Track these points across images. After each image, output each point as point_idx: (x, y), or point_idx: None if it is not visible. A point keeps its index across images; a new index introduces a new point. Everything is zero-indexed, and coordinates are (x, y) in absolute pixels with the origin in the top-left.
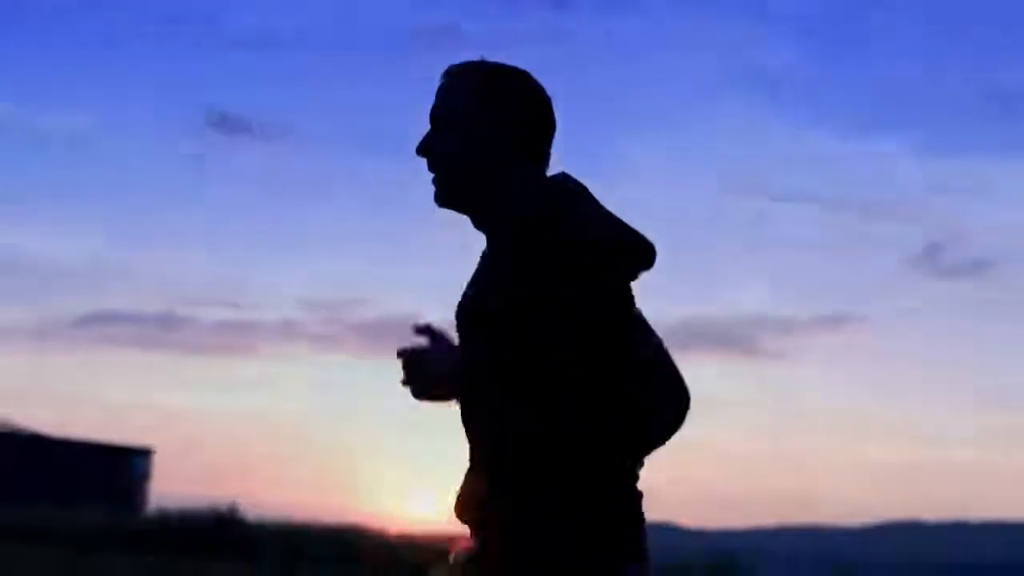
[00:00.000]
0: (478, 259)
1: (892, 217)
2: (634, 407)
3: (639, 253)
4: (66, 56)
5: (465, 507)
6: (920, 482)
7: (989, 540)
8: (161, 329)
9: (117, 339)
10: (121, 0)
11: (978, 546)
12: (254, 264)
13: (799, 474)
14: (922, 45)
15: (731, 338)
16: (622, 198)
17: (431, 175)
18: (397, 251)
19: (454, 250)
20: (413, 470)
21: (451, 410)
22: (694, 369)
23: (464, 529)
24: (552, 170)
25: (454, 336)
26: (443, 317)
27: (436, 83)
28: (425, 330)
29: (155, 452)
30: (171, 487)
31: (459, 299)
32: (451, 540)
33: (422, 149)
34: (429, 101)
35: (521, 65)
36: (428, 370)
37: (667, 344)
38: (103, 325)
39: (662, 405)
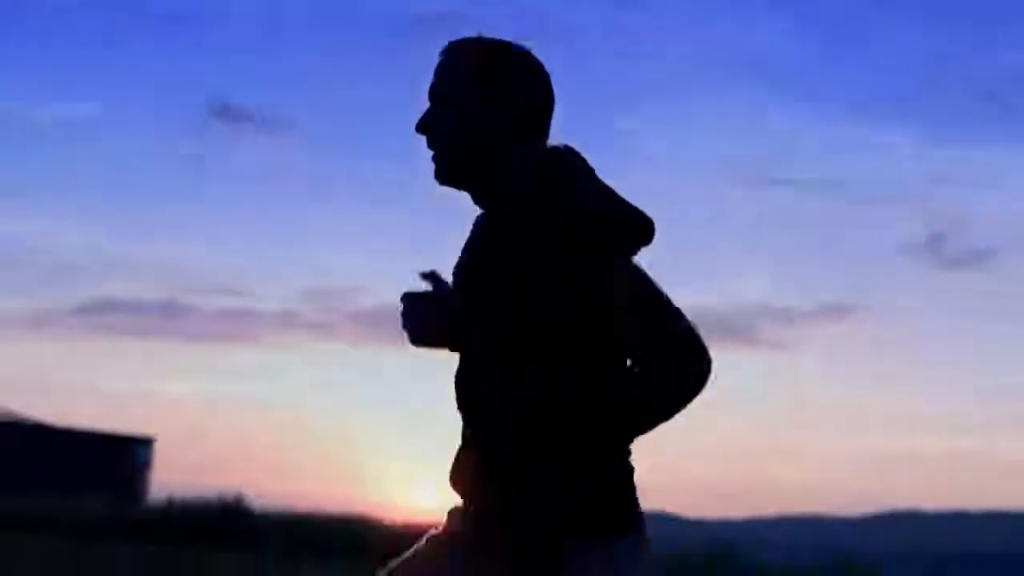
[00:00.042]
0: (471, 226)
1: (895, 207)
2: (640, 379)
3: (638, 228)
4: (67, 46)
5: (460, 478)
6: (921, 472)
7: (990, 530)
8: (162, 318)
9: (118, 328)
10: None
11: (979, 536)
12: (254, 253)
13: (799, 464)
14: (926, 34)
15: (731, 328)
16: (620, 186)
17: (431, 152)
18: (396, 240)
19: (453, 239)
20: (417, 459)
21: (449, 365)
22: None
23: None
24: None
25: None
26: None
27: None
28: (430, 276)
29: (156, 441)
30: (173, 476)
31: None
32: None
33: (421, 126)
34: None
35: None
36: (425, 314)
37: None
38: (104, 314)
39: (682, 370)
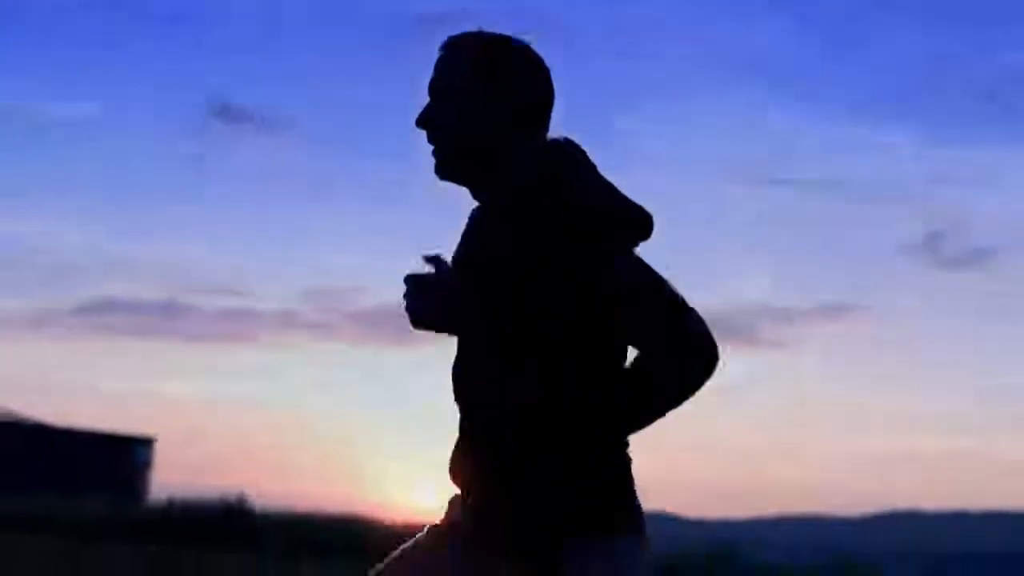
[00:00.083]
0: (468, 218)
1: (895, 207)
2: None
3: (637, 223)
4: (68, 46)
5: (460, 471)
6: (920, 472)
7: (990, 530)
8: (162, 318)
9: (118, 328)
10: None
11: (979, 536)
12: (254, 253)
13: (799, 464)
14: (925, 34)
15: (731, 327)
16: (620, 185)
17: (431, 147)
18: (396, 240)
19: (454, 239)
20: (416, 459)
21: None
22: None
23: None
24: None
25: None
26: None
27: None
28: (433, 259)
29: (157, 441)
30: (173, 476)
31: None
32: None
33: (421, 121)
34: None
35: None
36: (428, 297)
37: None
38: (104, 314)
39: (691, 359)
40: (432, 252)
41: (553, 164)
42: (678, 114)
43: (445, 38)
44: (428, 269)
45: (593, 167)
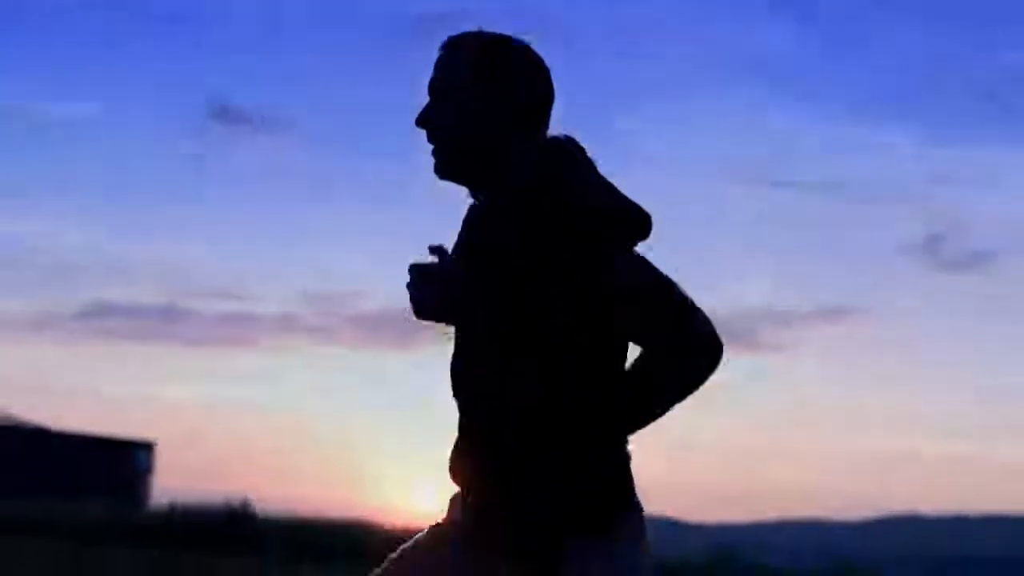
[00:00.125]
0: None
1: (894, 208)
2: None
3: (636, 222)
4: (68, 47)
5: (460, 469)
6: (920, 475)
7: (989, 533)
8: (162, 321)
9: (118, 332)
10: None
11: (978, 539)
12: (254, 256)
13: (799, 467)
14: (925, 35)
15: (731, 330)
16: (620, 185)
17: (430, 147)
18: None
19: (454, 238)
20: (417, 463)
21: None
22: None
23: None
24: None
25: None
26: None
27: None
28: (438, 250)
29: (157, 446)
30: (173, 481)
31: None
32: None
33: (421, 120)
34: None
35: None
36: (432, 287)
37: None
38: (104, 318)
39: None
40: (437, 243)
41: (553, 163)
42: (678, 115)
43: (445, 38)
44: (432, 259)
45: (593, 166)
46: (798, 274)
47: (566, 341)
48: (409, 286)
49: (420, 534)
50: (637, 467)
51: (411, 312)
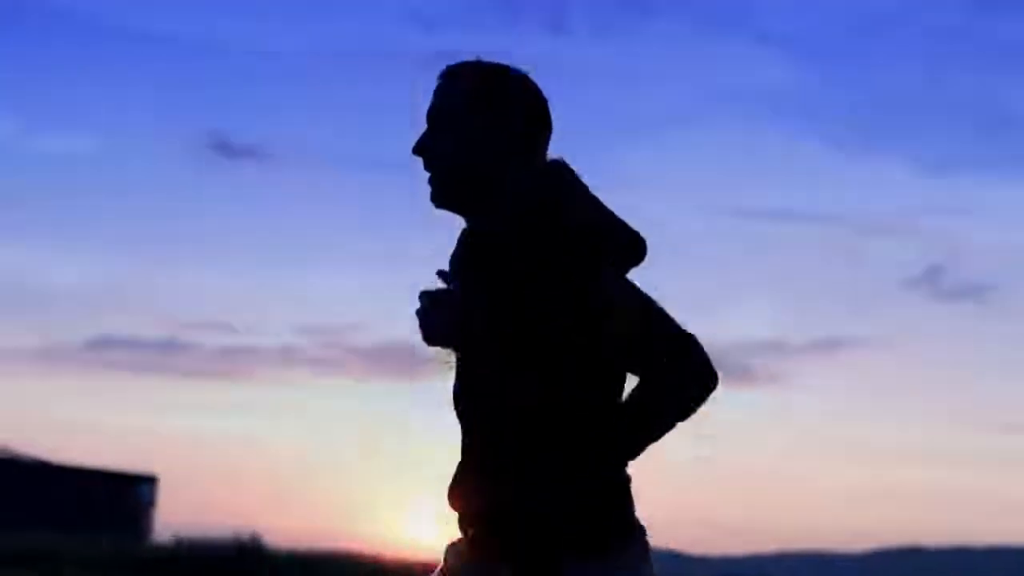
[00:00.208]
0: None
1: (891, 238)
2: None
3: (628, 243)
4: (67, 79)
5: (458, 492)
6: (921, 507)
7: (992, 566)
8: (163, 354)
9: (119, 365)
10: (121, 24)
11: (980, 572)
12: (254, 288)
13: (799, 500)
14: (922, 63)
15: (730, 363)
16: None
17: (427, 175)
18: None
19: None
20: (417, 495)
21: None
22: None
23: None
24: None
25: None
26: None
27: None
28: (446, 275)
29: (160, 479)
30: (175, 515)
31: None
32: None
33: (418, 148)
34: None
35: None
36: (441, 313)
37: None
38: (105, 351)
39: (688, 379)
40: (445, 268)
41: (552, 188)
42: (674, 145)
43: (444, 67)
44: (440, 285)
45: (589, 191)
46: (797, 306)
47: (565, 342)
48: (418, 312)
49: None
50: (639, 498)
51: (420, 338)
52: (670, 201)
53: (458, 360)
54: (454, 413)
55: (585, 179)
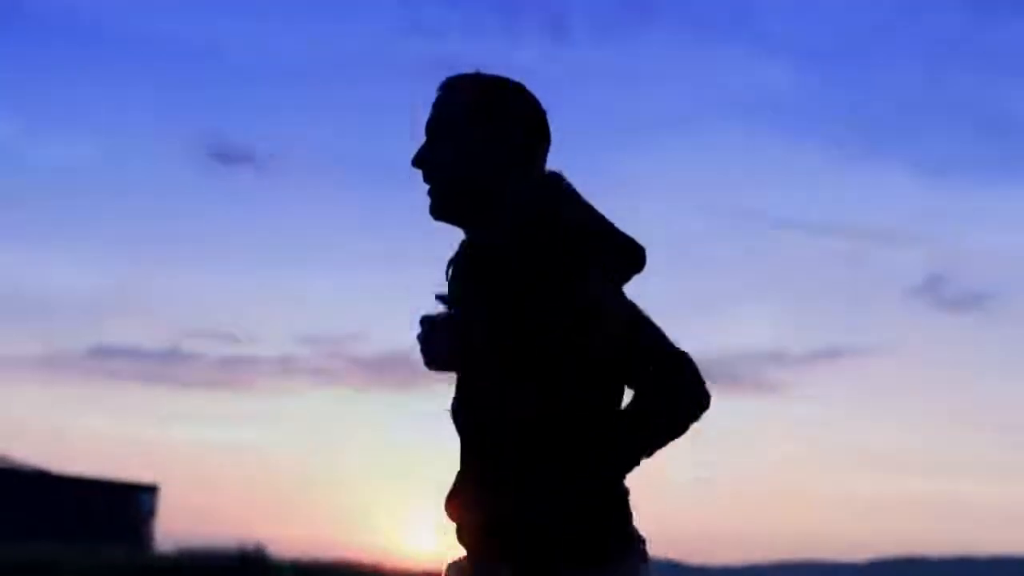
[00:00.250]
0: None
1: (893, 247)
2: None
3: (627, 252)
4: (65, 88)
5: (455, 503)
6: (923, 517)
7: (995, 575)
8: (165, 364)
9: (120, 374)
10: (121, 30)
11: None
12: (255, 298)
13: (800, 509)
14: (923, 70)
15: (730, 372)
16: (615, 223)
17: (426, 187)
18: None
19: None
20: (418, 505)
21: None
22: None
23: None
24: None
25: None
26: None
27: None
28: (446, 299)
29: (161, 489)
30: (176, 524)
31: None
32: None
33: (417, 160)
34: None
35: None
36: (442, 337)
37: None
38: (105, 360)
39: (681, 396)
40: (443, 291)
41: (551, 199)
42: (675, 153)
43: (443, 79)
44: (440, 308)
45: (584, 201)
46: (798, 315)
47: (563, 350)
48: (419, 337)
49: None
50: (639, 509)
51: (423, 363)
52: (671, 210)
53: (458, 378)
54: (453, 425)
55: (586, 182)
